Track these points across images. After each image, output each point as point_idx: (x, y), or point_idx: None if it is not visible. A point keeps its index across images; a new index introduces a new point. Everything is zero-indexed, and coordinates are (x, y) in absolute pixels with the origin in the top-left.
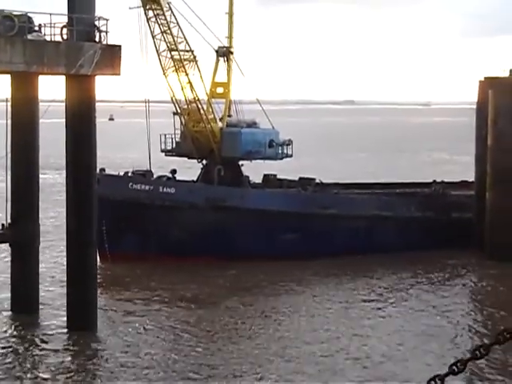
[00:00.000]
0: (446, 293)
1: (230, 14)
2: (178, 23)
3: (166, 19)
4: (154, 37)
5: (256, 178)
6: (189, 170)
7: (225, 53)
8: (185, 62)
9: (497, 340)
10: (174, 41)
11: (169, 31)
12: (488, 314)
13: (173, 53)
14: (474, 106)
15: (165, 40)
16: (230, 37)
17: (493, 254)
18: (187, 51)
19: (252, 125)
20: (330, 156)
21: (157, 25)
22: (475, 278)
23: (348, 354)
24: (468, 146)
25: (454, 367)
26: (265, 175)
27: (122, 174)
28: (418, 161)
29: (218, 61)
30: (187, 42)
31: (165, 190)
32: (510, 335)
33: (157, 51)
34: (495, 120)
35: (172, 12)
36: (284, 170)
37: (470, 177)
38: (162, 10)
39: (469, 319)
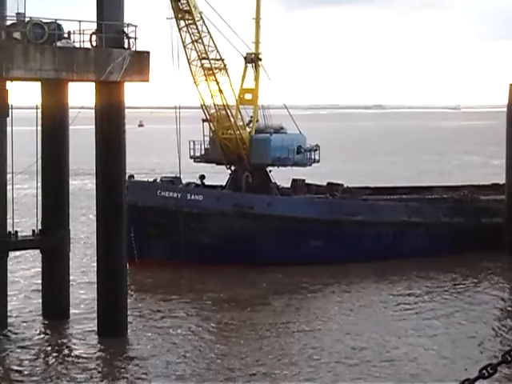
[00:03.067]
0: (476, 297)
1: (257, 20)
2: (209, 32)
3: (197, 29)
4: (185, 46)
5: (285, 182)
6: (217, 175)
7: (253, 59)
8: (215, 71)
9: None
10: (205, 50)
11: (200, 40)
12: (508, 320)
13: (203, 61)
14: (505, 109)
15: (196, 49)
16: (257, 43)
17: None
18: (218, 60)
19: (279, 130)
20: (360, 160)
21: (188, 34)
22: (506, 283)
23: (388, 354)
24: (500, 149)
25: (484, 371)
26: (293, 180)
27: (150, 180)
28: (448, 164)
29: (246, 67)
30: (218, 51)
31: (192, 197)
32: None
33: (188, 60)
34: None
35: (203, 21)
36: (313, 174)
37: (502, 179)
38: (194, 19)
39: (501, 323)
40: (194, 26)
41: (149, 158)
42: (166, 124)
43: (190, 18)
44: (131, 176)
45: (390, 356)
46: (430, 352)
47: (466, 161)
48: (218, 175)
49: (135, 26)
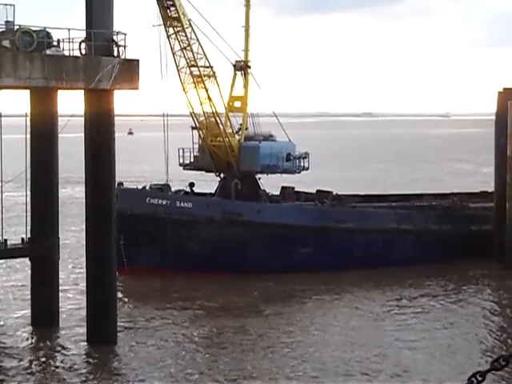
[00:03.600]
0: (466, 305)
1: (247, 28)
2: (198, 40)
3: (186, 36)
4: (174, 53)
5: (274, 190)
6: (208, 183)
7: (242, 67)
8: (204, 78)
9: None
10: (193, 57)
11: (189, 48)
12: (509, 326)
13: (192, 69)
14: (494, 117)
15: (185, 56)
16: (247, 50)
17: None
18: (207, 67)
19: (268, 137)
20: (350, 168)
21: (177, 41)
22: (495, 290)
23: (378, 366)
24: (489, 157)
25: (473, 379)
26: (282, 187)
27: (139, 188)
28: (438, 172)
29: (235, 75)
30: (207, 58)
31: (182, 204)
32: None
33: (176, 67)
34: None
35: (192, 29)
36: (302, 182)
37: (492, 187)
38: (183, 27)
39: (491, 331)
40: (183, 34)
41: (138, 166)
42: (156, 132)
43: (179, 25)
44: (120, 183)
45: (380, 366)
46: (423, 360)
47: (457, 168)
48: (208, 183)
49: (124, 34)
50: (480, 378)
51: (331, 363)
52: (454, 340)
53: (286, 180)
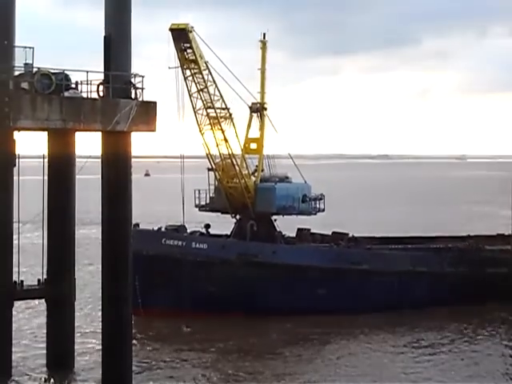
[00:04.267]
0: (484, 349)
1: (263, 71)
2: (214, 81)
3: (203, 78)
4: (190, 95)
5: (290, 231)
6: (223, 224)
7: (258, 109)
8: (221, 120)
9: None
10: (210, 99)
11: (206, 89)
12: None
13: (209, 110)
14: (511, 160)
15: (201, 98)
16: (263, 92)
17: None
18: (223, 109)
19: (284, 179)
20: (366, 210)
21: (194, 83)
22: None
23: None
24: (507, 199)
25: None
26: (298, 229)
27: (155, 229)
28: (456, 214)
29: (251, 117)
30: (223, 100)
31: (197, 245)
32: None
33: (193, 109)
34: None
35: (209, 71)
36: (318, 223)
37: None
38: (200, 69)
39: (505, 377)
40: (200, 75)
41: (155, 207)
42: (172, 173)
43: (196, 67)
44: (136, 224)
45: None
46: None
47: (475, 211)
48: (224, 225)
49: (142, 77)
50: None
51: None
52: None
53: (302, 222)
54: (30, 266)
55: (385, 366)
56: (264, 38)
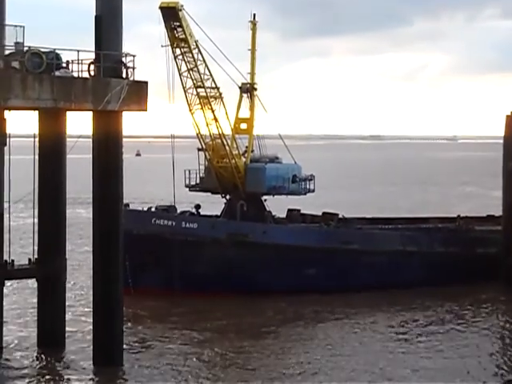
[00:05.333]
0: (471, 329)
1: (253, 51)
2: (204, 61)
3: (193, 57)
4: (180, 74)
5: (280, 212)
6: (214, 205)
7: (248, 89)
8: (211, 99)
9: None
10: (200, 78)
11: (196, 69)
12: (507, 350)
13: (199, 90)
14: (501, 141)
15: (191, 77)
16: (253, 73)
17: None
18: (213, 88)
19: (274, 160)
20: (357, 190)
21: (184, 62)
22: (504, 313)
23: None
24: (498, 181)
25: None
26: (289, 210)
27: (145, 209)
28: (447, 195)
29: (241, 97)
30: (213, 80)
31: (187, 225)
32: None
33: (183, 88)
34: None
35: (199, 50)
36: (309, 204)
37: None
38: (190, 48)
39: (495, 356)
40: (190, 55)
41: (145, 187)
42: (163, 153)
43: (186, 46)
44: (126, 205)
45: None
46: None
47: (466, 192)
48: (215, 206)
49: (133, 56)
50: None
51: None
52: (460, 364)
53: (293, 203)
54: (21, 246)
55: (377, 346)
56: (254, 18)
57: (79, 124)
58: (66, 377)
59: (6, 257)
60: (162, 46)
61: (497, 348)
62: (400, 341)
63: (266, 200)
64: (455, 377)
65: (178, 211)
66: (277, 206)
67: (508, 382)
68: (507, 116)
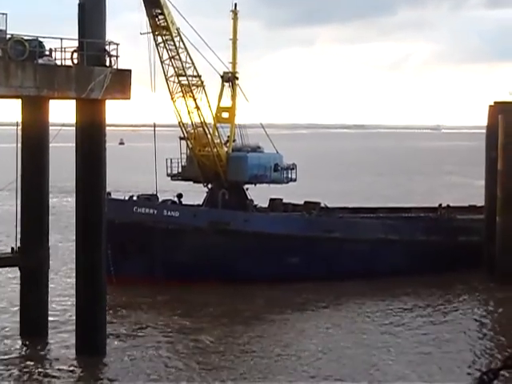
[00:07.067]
0: (452, 317)
1: (234, 41)
2: (186, 49)
3: (174, 45)
4: (162, 62)
5: (263, 202)
6: (196, 194)
7: (230, 78)
8: (192, 87)
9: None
10: (182, 66)
11: (177, 56)
12: (494, 340)
13: (181, 78)
14: (484, 131)
15: (173, 65)
16: (234, 62)
17: (504, 277)
18: (195, 76)
19: (256, 149)
20: (341, 180)
21: (166, 50)
22: (486, 302)
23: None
24: (481, 170)
25: (485, 376)
26: (271, 199)
27: (127, 198)
28: (432, 184)
29: (223, 86)
30: (195, 68)
31: (169, 213)
32: None
33: (165, 76)
34: (505, 144)
35: (181, 37)
36: (292, 193)
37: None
38: (171, 35)
39: (475, 344)
40: (172, 42)
41: (128, 176)
42: (147, 142)
43: (168, 33)
44: (108, 193)
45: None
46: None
47: (450, 181)
48: (197, 194)
49: (117, 44)
50: (492, 376)
51: (326, 367)
52: (443, 352)
53: (274, 192)
54: (3, 235)
55: (362, 331)
56: (235, 8)
57: (62, 112)
58: (47, 366)
59: None
60: (140, 34)
61: (478, 336)
62: (387, 327)
63: (247, 189)
64: (439, 364)
65: (160, 200)
66: (259, 195)
67: (490, 370)
68: (490, 106)
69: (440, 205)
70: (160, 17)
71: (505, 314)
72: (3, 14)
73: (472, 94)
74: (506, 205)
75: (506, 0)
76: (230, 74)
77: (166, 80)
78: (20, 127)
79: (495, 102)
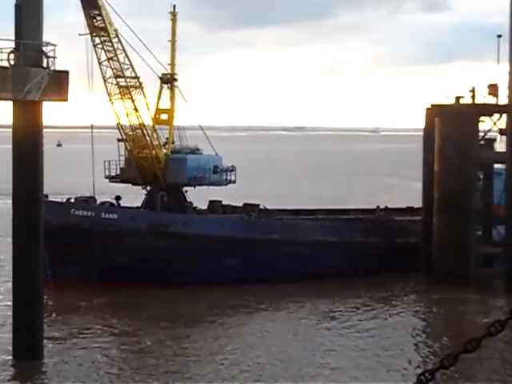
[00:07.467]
0: (391, 318)
1: (173, 42)
2: (124, 50)
3: (112, 46)
4: (100, 63)
5: (202, 204)
6: (135, 198)
7: (168, 80)
8: (131, 89)
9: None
10: (120, 67)
11: (115, 58)
12: (431, 340)
13: (119, 79)
14: (422, 133)
15: (111, 66)
16: (173, 64)
17: (440, 278)
18: (133, 78)
19: (195, 151)
20: (280, 182)
21: (103, 51)
22: (422, 303)
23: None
24: (419, 172)
25: (422, 377)
26: (210, 201)
27: (64, 200)
28: (372, 186)
29: (161, 87)
30: (133, 69)
31: (107, 215)
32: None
33: (103, 77)
34: (441, 146)
35: (119, 39)
36: (230, 196)
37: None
38: (109, 36)
39: (413, 345)
40: (110, 44)
41: (66, 178)
42: (85, 144)
43: (106, 34)
44: (46, 195)
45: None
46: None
47: (390, 183)
48: (137, 197)
49: (54, 45)
50: (429, 377)
51: (267, 369)
52: (381, 353)
53: (214, 194)
54: None
55: (303, 333)
56: (174, 9)
57: None
58: None
59: None
60: (79, 35)
61: (414, 337)
62: (331, 332)
63: (187, 191)
64: (380, 365)
65: (98, 202)
66: (198, 197)
67: (427, 371)
68: (427, 109)
69: (378, 206)
70: (98, 18)
71: (442, 314)
72: None
73: (410, 97)
74: (442, 206)
75: (442, 4)
76: (168, 76)
77: (104, 81)
78: None
79: (432, 105)
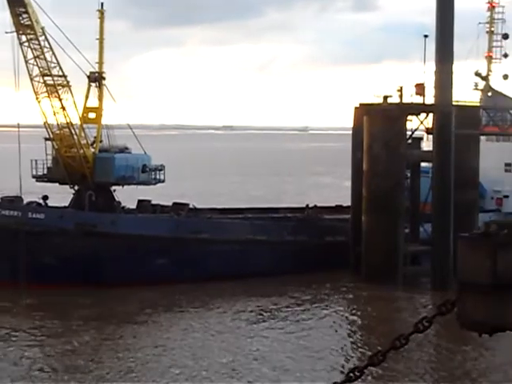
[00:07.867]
0: (322, 316)
1: (101, 40)
2: (51, 48)
3: (39, 44)
4: (26, 61)
5: (131, 204)
6: (62, 196)
7: (96, 78)
8: (58, 87)
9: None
10: (47, 66)
11: (42, 56)
12: (361, 337)
13: (46, 78)
14: (350, 132)
15: (38, 65)
16: (101, 62)
17: (369, 276)
18: (60, 76)
19: (123, 150)
20: (209, 181)
21: (30, 49)
22: (351, 301)
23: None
24: (348, 171)
25: (351, 374)
26: (139, 201)
27: None
28: (301, 185)
29: (89, 86)
30: (60, 67)
31: (34, 215)
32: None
33: (30, 76)
34: (370, 145)
35: (46, 37)
36: (159, 195)
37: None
38: (36, 34)
39: (344, 342)
40: (36, 42)
41: None
42: (11, 143)
43: (32, 32)
44: None
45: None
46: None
47: (319, 182)
48: (65, 196)
49: None
50: (358, 373)
51: (196, 368)
52: (309, 351)
53: (144, 194)
54: None
55: (234, 332)
56: (102, 7)
57: None
58: None
59: None
60: (6, 33)
61: (343, 334)
62: (262, 331)
63: (115, 190)
64: (310, 363)
65: (25, 202)
66: (127, 196)
67: (356, 368)
68: (355, 108)
69: (307, 205)
70: (24, 15)
71: (371, 311)
72: None
73: (340, 96)
74: (370, 205)
75: (371, 4)
76: (96, 74)
77: (31, 80)
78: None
79: (360, 104)
